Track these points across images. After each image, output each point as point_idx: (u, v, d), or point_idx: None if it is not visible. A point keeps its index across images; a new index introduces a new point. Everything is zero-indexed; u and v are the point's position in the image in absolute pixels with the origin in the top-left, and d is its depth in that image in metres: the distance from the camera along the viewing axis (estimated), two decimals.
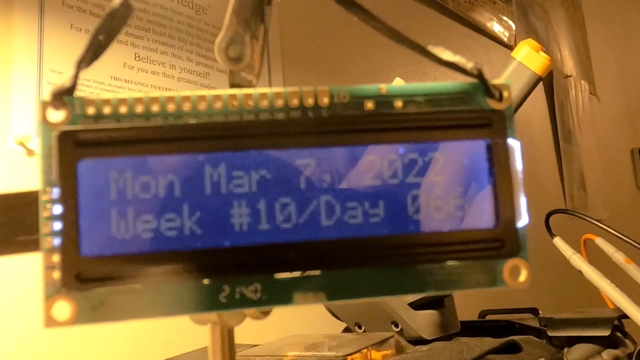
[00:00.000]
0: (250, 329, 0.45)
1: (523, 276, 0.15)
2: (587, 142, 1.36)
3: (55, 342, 0.46)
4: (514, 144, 0.15)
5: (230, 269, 0.13)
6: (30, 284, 0.45)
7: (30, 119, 0.48)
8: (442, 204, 0.14)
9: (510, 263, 0.15)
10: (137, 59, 0.56)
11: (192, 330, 0.52)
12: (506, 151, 0.15)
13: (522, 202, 0.15)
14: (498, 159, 0.15)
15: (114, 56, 0.54)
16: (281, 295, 0.14)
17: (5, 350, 0.44)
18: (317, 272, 0.14)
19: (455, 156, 0.15)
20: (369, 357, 0.36)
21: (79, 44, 0.51)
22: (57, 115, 0.13)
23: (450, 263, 0.14)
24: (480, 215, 0.15)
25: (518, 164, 0.15)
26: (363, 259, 0.14)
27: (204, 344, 0.41)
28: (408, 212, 0.14)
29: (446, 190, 0.15)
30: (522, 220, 0.15)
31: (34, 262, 0.14)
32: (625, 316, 0.46)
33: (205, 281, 0.13)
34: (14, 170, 0.46)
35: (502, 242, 0.14)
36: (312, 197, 0.14)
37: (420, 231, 0.14)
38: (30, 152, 0.47)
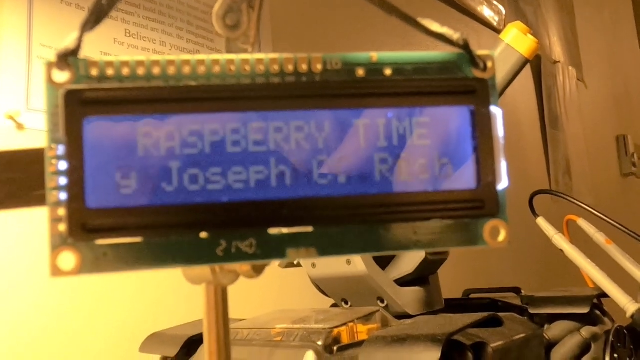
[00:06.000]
0: (239, 305, 0.45)
1: (502, 236, 0.15)
2: (574, 128, 1.37)
3: (40, 319, 0.47)
4: (496, 111, 0.16)
5: (227, 224, 0.14)
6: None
7: (20, 94, 0.48)
8: (428, 165, 0.15)
9: (490, 223, 0.16)
10: (128, 35, 0.56)
11: (180, 305, 0.53)
12: (489, 117, 0.15)
13: (503, 166, 0.15)
14: (481, 125, 0.15)
15: (105, 32, 0.54)
16: (275, 250, 0.15)
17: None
18: (309, 229, 0.15)
19: (441, 121, 0.15)
20: (355, 330, 0.37)
21: (69, 18, 0.50)
22: (62, 76, 0.14)
23: (434, 222, 0.15)
24: (463, 177, 0.15)
25: (500, 130, 0.16)
26: (352, 217, 0.15)
27: (192, 319, 0.41)
28: (395, 172, 0.15)
29: (431, 153, 0.15)
30: (502, 183, 0.15)
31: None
32: (605, 295, 0.47)
33: (203, 235, 0.14)
34: (4, 144, 0.47)
35: (483, 202, 0.15)
36: (305, 157, 0.15)
37: (407, 191, 0.15)
38: (20, 127, 0.47)
